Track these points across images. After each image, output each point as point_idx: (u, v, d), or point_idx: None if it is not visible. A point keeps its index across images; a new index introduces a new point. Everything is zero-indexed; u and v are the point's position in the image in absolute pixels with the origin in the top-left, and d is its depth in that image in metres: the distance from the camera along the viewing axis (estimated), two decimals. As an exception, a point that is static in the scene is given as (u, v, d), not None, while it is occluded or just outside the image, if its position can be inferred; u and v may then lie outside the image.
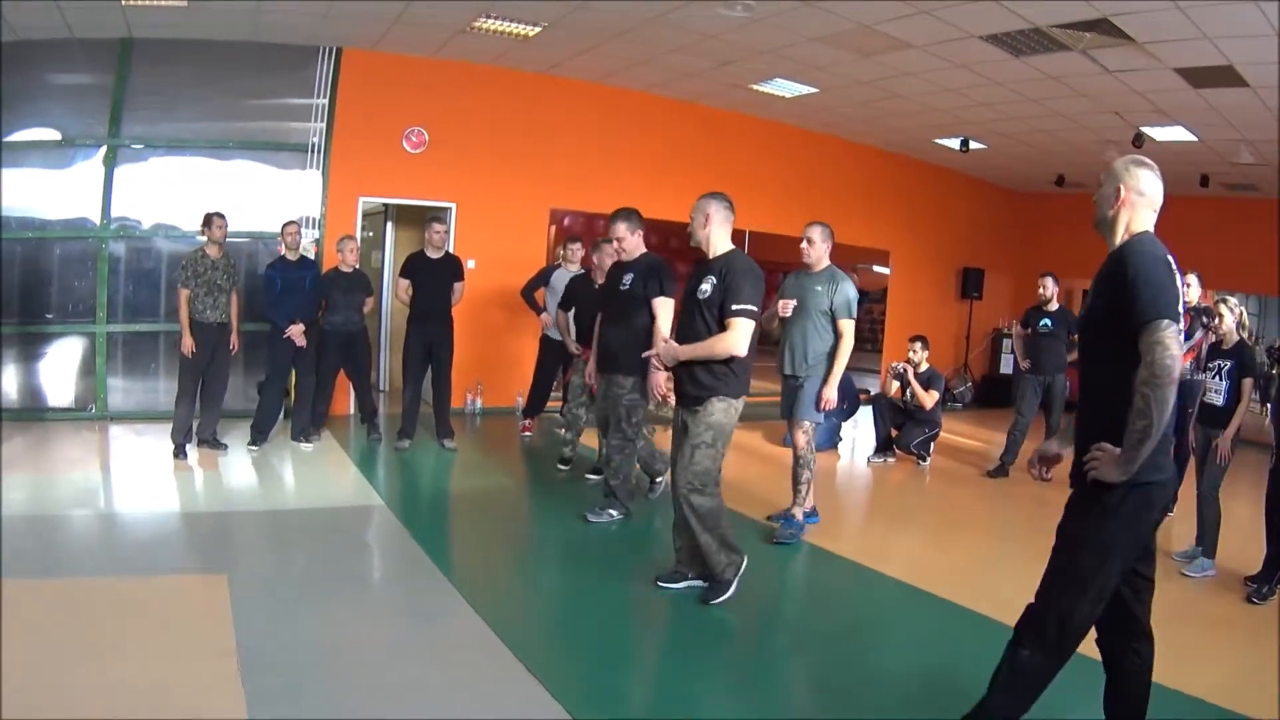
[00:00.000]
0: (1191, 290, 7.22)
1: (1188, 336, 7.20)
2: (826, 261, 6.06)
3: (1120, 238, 2.93)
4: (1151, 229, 2.94)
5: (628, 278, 5.97)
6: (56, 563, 4.78)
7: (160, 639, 3.86)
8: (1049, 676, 2.93)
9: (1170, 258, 2.81)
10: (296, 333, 7.57)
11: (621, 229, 5.95)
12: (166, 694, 3.35)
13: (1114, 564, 2.84)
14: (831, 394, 5.89)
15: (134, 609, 4.18)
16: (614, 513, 6.15)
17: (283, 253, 7.77)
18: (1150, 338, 2.65)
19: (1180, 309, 2.72)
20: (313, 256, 9.09)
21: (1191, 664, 4.26)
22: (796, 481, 6.08)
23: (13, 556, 4.74)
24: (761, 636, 4.50)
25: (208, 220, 7.28)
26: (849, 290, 5.95)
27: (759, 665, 4.11)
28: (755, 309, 4.56)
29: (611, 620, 4.43)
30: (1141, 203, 2.94)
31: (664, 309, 5.81)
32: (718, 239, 4.72)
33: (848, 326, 5.93)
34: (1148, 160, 3.00)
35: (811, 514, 6.31)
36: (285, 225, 7.82)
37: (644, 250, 6.06)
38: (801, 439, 6.00)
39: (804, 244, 6.07)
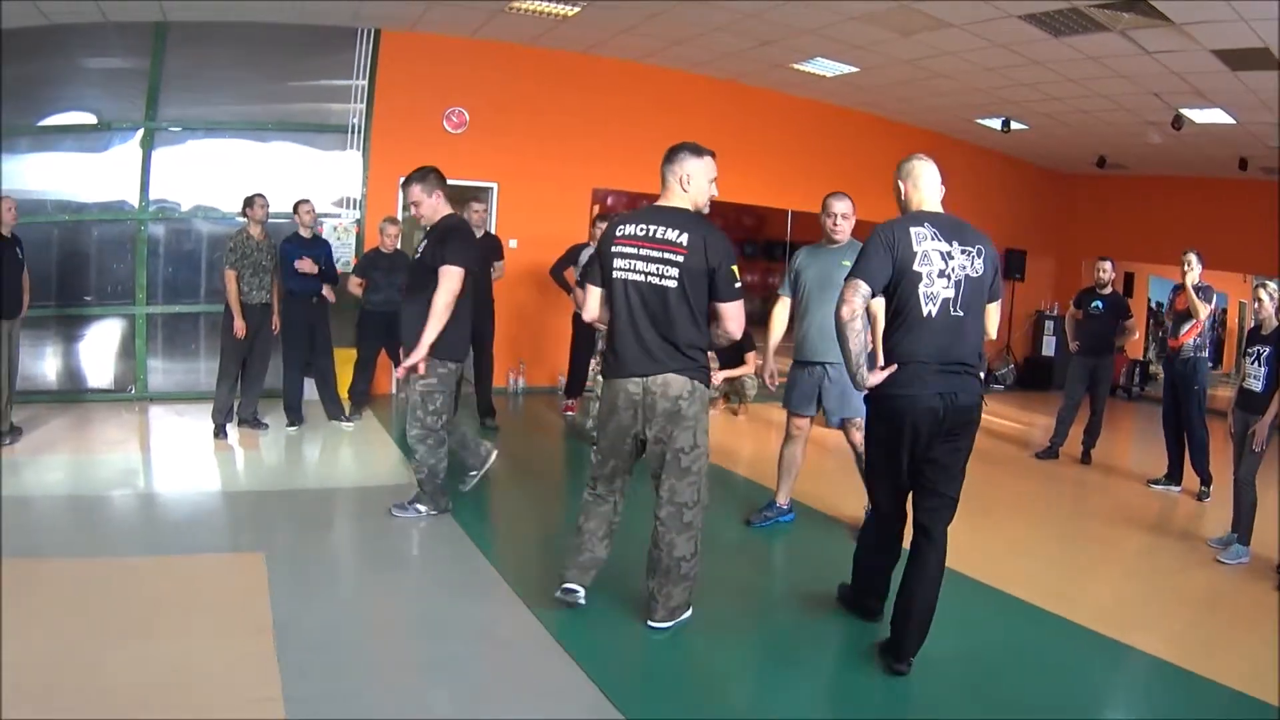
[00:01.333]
0: (1191, 270, 7.11)
1: (1190, 316, 7.13)
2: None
3: None
4: (934, 204, 3.77)
5: (423, 245, 5.34)
6: (97, 542, 4.85)
7: (198, 616, 3.90)
8: (883, 538, 4.06)
9: (914, 229, 3.63)
10: (307, 265, 7.52)
11: (415, 191, 5.32)
12: (204, 671, 3.39)
13: (885, 452, 3.80)
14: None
15: (173, 587, 4.23)
16: (421, 508, 5.54)
17: (299, 230, 7.75)
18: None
19: (872, 270, 3.70)
20: (354, 238, 9.19)
21: (1222, 651, 4.24)
22: None
23: (54, 536, 4.87)
24: (791, 615, 4.46)
25: (249, 201, 7.33)
26: None
27: (786, 644, 4.10)
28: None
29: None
30: (918, 184, 3.79)
31: (446, 279, 5.08)
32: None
33: (881, 304, 5.16)
34: (918, 154, 3.86)
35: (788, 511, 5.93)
36: (299, 203, 7.78)
37: (447, 213, 5.41)
38: (858, 435, 5.31)
39: (836, 220, 5.48)
